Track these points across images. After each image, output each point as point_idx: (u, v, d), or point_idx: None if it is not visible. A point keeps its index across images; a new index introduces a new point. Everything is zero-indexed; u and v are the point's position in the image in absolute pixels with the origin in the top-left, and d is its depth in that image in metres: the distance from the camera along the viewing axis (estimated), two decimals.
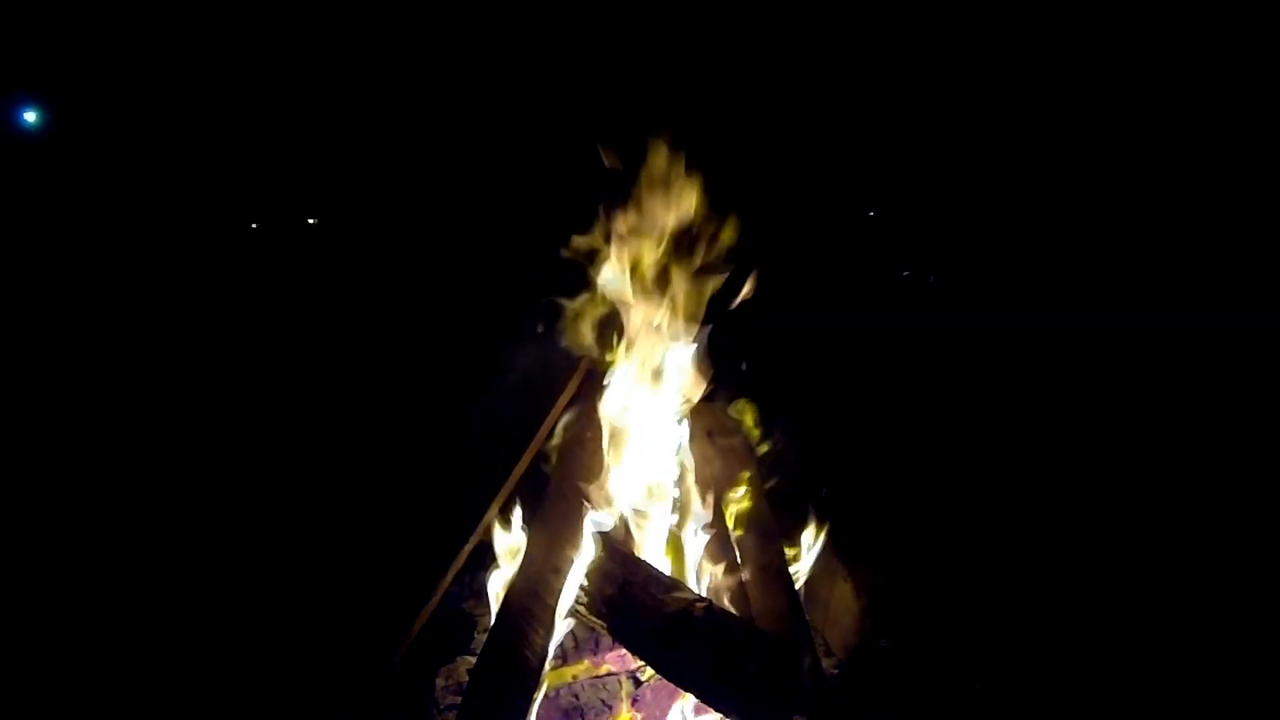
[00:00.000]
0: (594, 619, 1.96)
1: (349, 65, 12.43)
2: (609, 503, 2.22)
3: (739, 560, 2.15)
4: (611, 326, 2.34)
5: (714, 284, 2.29)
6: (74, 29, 11.67)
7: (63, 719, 2.27)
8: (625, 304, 2.31)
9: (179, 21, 11.92)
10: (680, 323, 2.31)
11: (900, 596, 2.30)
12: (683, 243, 2.27)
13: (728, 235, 2.28)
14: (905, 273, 8.47)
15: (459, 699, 1.98)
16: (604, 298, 2.33)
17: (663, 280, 2.30)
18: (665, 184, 2.23)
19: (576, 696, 2.07)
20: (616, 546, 2.06)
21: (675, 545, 2.25)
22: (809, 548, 2.21)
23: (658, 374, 2.35)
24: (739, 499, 2.26)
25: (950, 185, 9.46)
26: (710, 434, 2.41)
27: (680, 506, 2.34)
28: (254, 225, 13.79)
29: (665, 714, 2.00)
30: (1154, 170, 8.10)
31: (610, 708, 2.05)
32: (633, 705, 2.05)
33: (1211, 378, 4.66)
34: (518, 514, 2.16)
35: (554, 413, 2.40)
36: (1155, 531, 2.98)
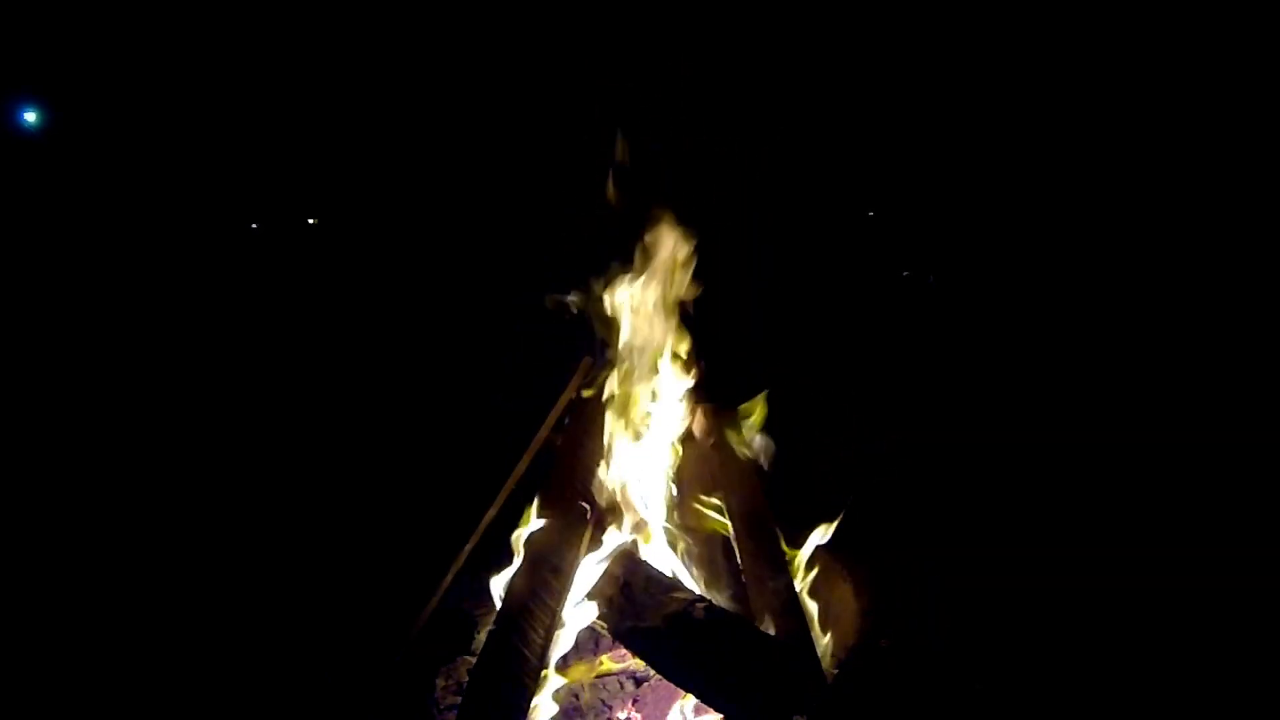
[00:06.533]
0: (594, 619, 1.96)
1: (349, 65, 12.43)
2: (609, 503, 2.22)
3: (739, 560, 2.15)
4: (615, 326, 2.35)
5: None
6: (74, 29, 11.67)
7: (63, 719, 2.27)
8: (625, 307, 2.32)
9: (179, 21, 11.92)
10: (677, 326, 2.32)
11: (900, 596, 2.30)
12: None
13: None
14: (905, 273, 8.48)
15: (459, 699, 1.98)
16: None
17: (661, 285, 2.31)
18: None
19: (576, 696, 2.07)
20: (617, 547, 2.06)
21: (675, 546, 2.25)
22: (809, 548, 2.21)
23: (658, 375, 2.35)
24: (739, 499, 2.26)
25: (950, 185, 9.46)
26: (710, 435, 2.41)
27: (680, 507, 2.34)
28: (254, 225, 13.80)
29: (665, 714, 2.00)
30: (1153, 168, 8.10)
31: (610, 708, 2.05)
32: (633, 705, 2.05)
33: (1208, 370, 4.67)
34: (519, 514, 2.16)
35: (554, 413, 2.40)
36: (1157, 528, 2.98)
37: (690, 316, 2.36)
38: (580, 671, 2.12)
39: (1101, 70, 8.74)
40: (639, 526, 2.22)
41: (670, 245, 2.30)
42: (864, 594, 2.22)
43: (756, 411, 2.43)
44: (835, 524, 2.19)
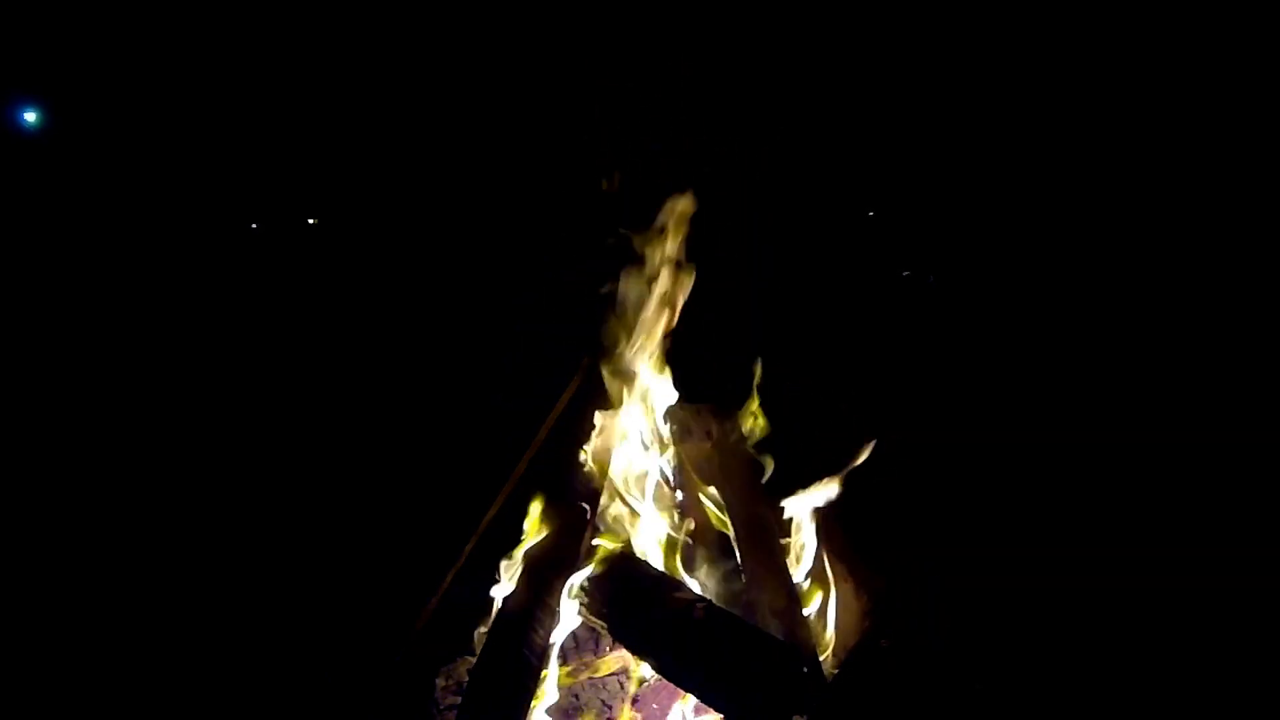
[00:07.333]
0: (594, 619, 1.96)
1: (350, 64, 12.43)
2: (610, 502, 2.22)
3: (739, 560, 2.16)
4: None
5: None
6: (74, 29, 11.67)
7: (63, 719, 2.27)
8: (628, 306, 2.32)
9: (179, 21, 11.92)
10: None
11: (900, 596, 2.30)
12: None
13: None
14: (905, 273, 8.48)
15: (459, 699, 1.98)
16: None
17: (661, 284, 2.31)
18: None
19: (576, 697, 2.07)
20: (617, 547, 2.06)
21: (675, 546, 2.25)
22: (809, 548, 2.21)
23: (658, 376, 2.36)
24: (739, 499, 2.26)
25: (950, 185, 9.46)
26: (710, 435, 2.41)
27: (680, 507, 2.34)
28: (254, 225, 13.79)
29: (665, 714, 2.00)
30: (1153, 168, 8.10)
31: (610, 708, 2.05)
32: (633, 705, 2.05)
33: (1208, 370, 4.67)
34: (519, 514, 2.16)
35: (555, 413, 2.40)
36: (1157, 528, 2.98)
37: (690, 317, 2.36)
38: (580, 672, 2.12)
39: (1101, 70, 8.73)
40: (639, 526, 2.22)
41: (670, 247, 2.30)
42: (864, 594, 2.22)
43: (749, 412, 2.43)
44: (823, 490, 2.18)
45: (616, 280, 2.32)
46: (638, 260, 2.31)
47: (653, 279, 2.30)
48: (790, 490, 2.23)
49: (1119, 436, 3.82)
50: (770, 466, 2.37)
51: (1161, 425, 3.93)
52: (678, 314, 2.33)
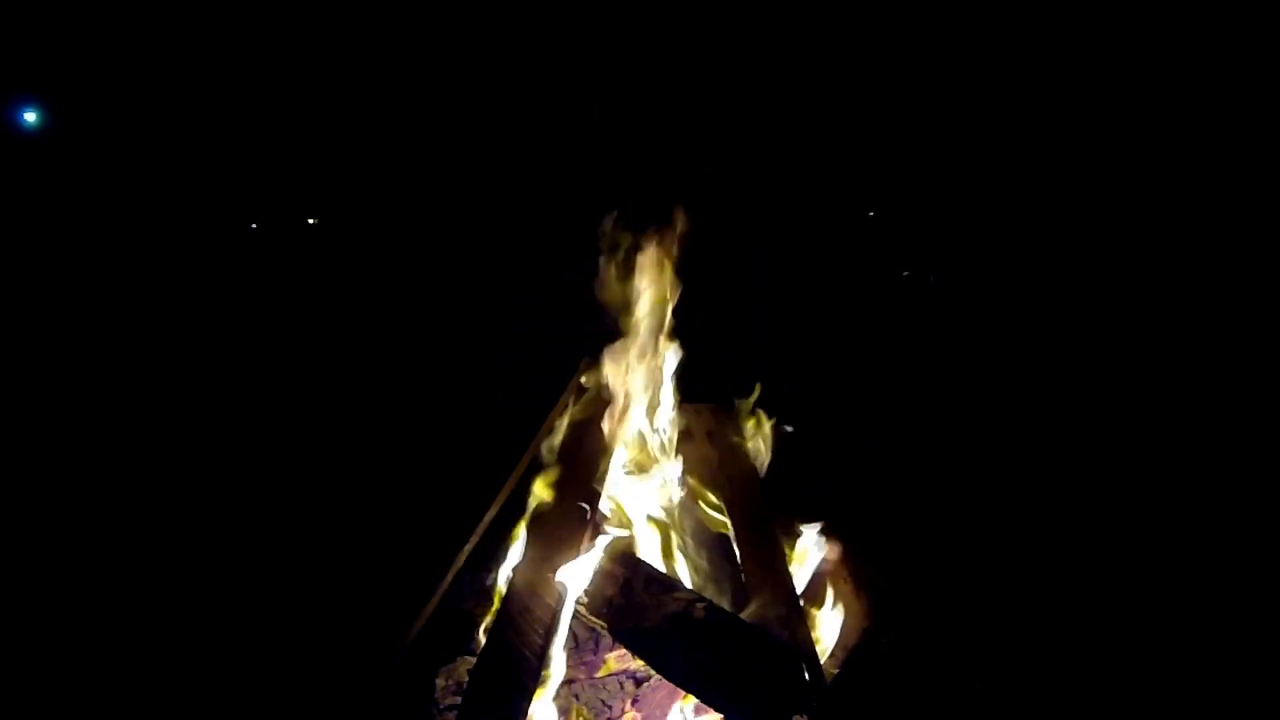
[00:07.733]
0: (594, 619, 1.96)
1: (350, 65, 12.44)
2: (609, 503, 2.22)
3: (739, 561, 2.16)
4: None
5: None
6: (74, 29, 11.67)
7: (63, 719, 2.27)
8: (626, 307, 2.32)
9: (179, 21, 11.92)
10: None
11: (900, 596, 2.30)
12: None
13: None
14: (905, 273, 8.48)
15: (459, 699, 1.98)
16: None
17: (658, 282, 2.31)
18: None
19: (576, 697, 2.07)
20: (617, 547, 2.06)
21: (674, 546, 2.25)
22: (809, 548, 2.21)
23: (658, 374, 2.35)
24: (739, 499, 2.26)
25: (950, 185, 9.46)
26: (710, 435, 2.41)
27: (680, 507, 2.34)
28: (254, 225, 13.79)
29: (665, 714, 2.00)
30: (1153, 168, 8.10)
31: (610, 708, 2.05)
32: (633, 705, 2.05)
33: (1207, 367, 4.67)
34: (518, 514, 2.16)
35: (554, 412, 2.40)
36: (1156, 527, 2.98)
37: (689, 316, 2.36)
38: (580, 671, 2.12)
39: (1101, 70, 8.73)
40: (639, 526, 2.22)
41: (665, 247, 2.30)
42: (864, 594, 2.22)
43: (749, 409, 2.43)
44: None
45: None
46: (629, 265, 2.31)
47: (646, 282, 2.30)
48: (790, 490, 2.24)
49: (1117, 434, 3.83)
50: (769, 466, 2.38)
51: (1159, 423, 3.93)
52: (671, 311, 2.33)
